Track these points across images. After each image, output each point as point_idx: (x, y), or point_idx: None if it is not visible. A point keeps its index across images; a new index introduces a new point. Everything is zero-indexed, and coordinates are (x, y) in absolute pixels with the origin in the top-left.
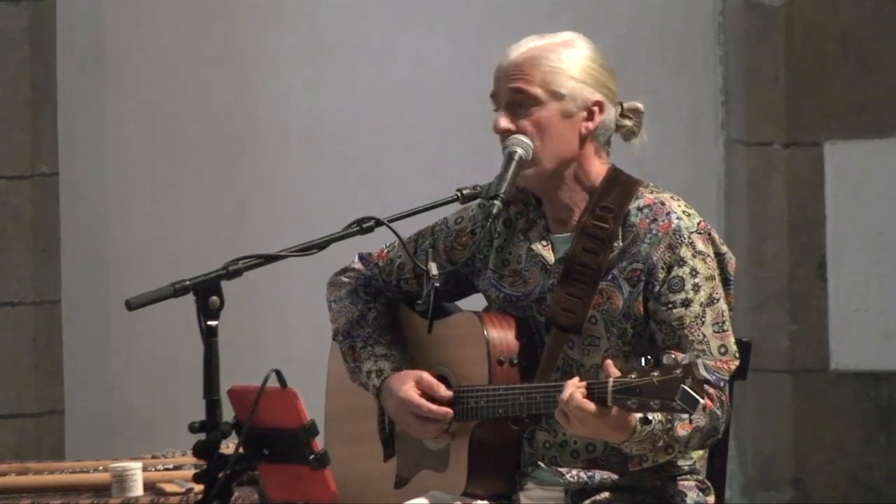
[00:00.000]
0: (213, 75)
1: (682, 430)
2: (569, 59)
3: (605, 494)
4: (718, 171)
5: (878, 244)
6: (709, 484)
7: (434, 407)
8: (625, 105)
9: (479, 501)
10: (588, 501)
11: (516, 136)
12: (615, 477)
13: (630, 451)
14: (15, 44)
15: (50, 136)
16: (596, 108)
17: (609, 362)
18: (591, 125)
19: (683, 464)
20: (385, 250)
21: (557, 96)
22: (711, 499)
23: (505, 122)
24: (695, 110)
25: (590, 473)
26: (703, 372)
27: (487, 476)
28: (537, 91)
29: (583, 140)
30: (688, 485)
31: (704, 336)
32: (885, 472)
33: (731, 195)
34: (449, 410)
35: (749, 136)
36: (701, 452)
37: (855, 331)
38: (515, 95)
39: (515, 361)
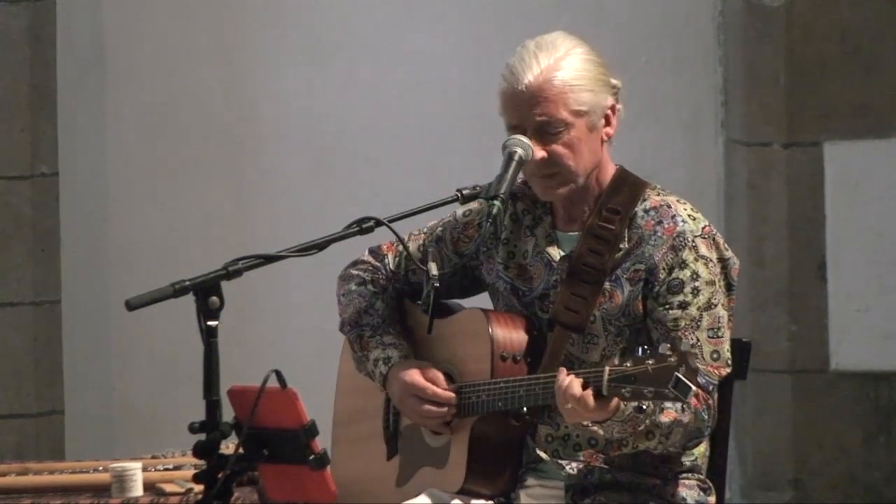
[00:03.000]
0: (213, 75)
1: (664, 416)
2: (580, 71)
3: (606, 493)
4: (718, 171)
5: (878, 244)
6: (710, 483)
7: (439, 390)
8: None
9: (477, 501)
10: (588, 500)
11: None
12: (615, 471)
13: (611, 432)
14: (15, 44)
15: (50, 136)
16: (610, 112)
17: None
18: (610, 130)
19: (685, 459)
20: (395, 243)
21: (582, 114)
22: (712, 499)
23: (541, 152)
24: (695, 110)
25: (589, 466)
26: (696, 363)
27: (486, 474)
28: (564, 115)
29: (604, 144)
30: (689, 484)
31: (698, 340)
32: (885, 472)
33: (731, 195)
34: (452, 394)
35: (749, 136)
36: (703, 449)
37: (855, 331)
38: (542, 123)
39: (519, 358)
